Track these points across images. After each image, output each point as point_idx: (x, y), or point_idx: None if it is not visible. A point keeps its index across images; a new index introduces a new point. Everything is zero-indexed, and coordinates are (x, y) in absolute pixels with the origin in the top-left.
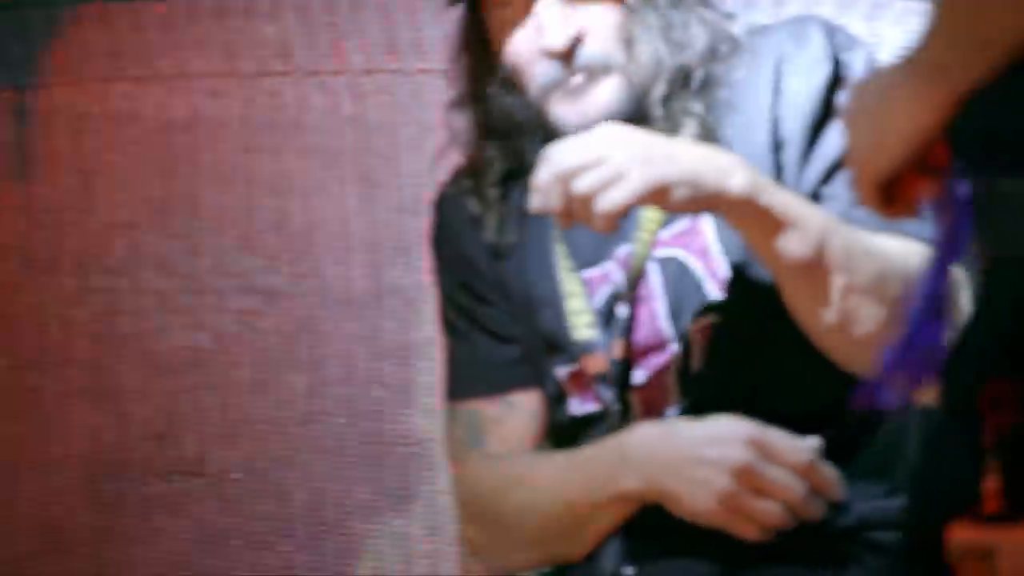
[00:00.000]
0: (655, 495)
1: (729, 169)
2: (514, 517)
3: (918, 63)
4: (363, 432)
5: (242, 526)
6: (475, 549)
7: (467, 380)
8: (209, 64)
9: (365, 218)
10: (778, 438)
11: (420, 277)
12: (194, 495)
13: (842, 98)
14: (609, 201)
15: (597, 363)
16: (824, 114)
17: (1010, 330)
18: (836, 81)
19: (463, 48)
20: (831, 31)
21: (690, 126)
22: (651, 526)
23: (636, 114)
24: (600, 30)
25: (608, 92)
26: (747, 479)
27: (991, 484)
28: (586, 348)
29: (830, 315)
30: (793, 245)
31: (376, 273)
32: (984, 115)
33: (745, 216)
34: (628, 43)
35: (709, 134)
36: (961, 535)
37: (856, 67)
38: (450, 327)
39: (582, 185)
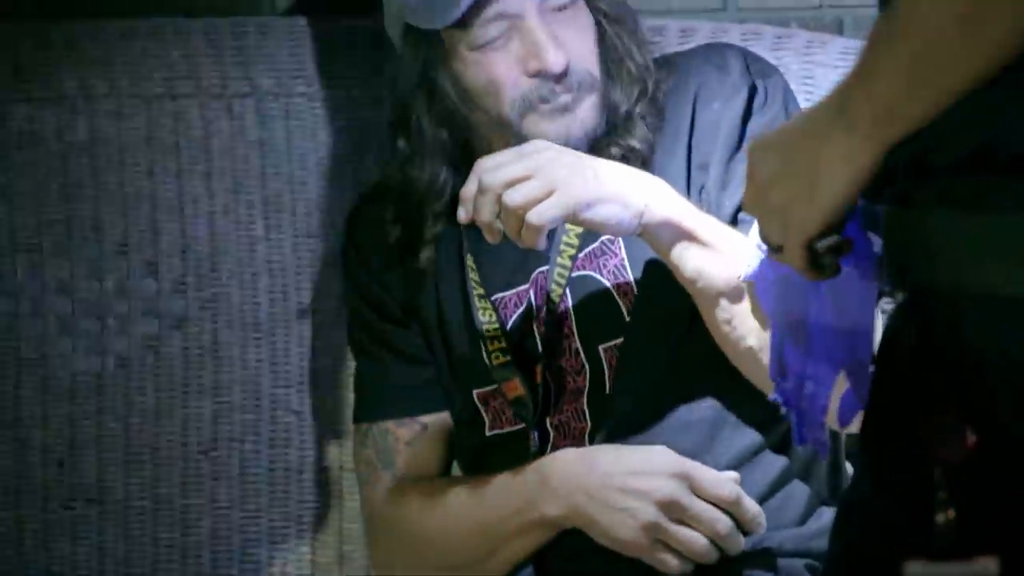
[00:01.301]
0: (577, 522)
1: (655, 191)
2: (427, 542)
3: (856, 110)
4: (269, 459)
5: (144, 554)
6: (384, 574)
7: (378, 402)
8: (111, 86)
9: (271, 243)
10: (703, 472)
11: (327, 302)
12: (95, 522)
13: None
14: (538, 216)
15: (514, 388)
16: (741, 139)
17: (953, 365)
18: (750, 109)
19: (407, 75)
20: (748, 58)
21: (640, 141)
22: (567, 551)
23: (605, 131)
24: (584, 51)
25: (589, 110)
26: (672, 511)
27: (944, 518)
28: (503, 374)
29: (751, 339)
30: (716, 270)
31: (282, 298)
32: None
33: (668, 239)
34: (604, 62)
35: (649, 152)
36: (917, 570)
37: (773, 93)
38: (360, 349)
39: (514, 198)
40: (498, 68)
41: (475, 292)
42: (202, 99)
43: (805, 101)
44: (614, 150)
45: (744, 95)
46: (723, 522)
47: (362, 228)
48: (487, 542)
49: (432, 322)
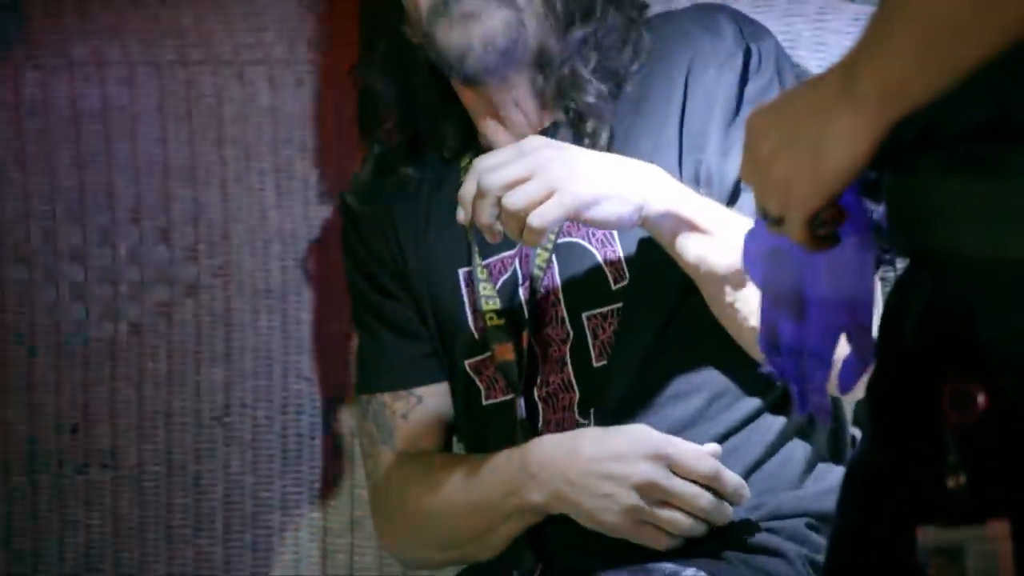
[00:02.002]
0: (561, 508)
1: (654, 182)
2: (422, 519)
3: (864, 86)
4: (281, 425)
5: (158, 519)
6: (387, 544)
7: (374, 374)
8: (125, 52)
9: (282, 210)
10: (683, 449)
11: (338, 269)
12: (109, 488)
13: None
14: (540, 218)
15: (505, 351)
16: (739, 105)
17: (963, 331)
18: (746, 75)
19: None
20: (740, 21)
21: (595, 97)
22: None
23: (522, 59)
24: None
25: (498, 21)
26: (652, 493)
27: (956, 483)
28: (497, 336)
29: (754, 320)
30: (717, 256)
31: (294, 265)
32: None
33: (669, 229)
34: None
35: (602, 113)
36: (929, 535)
37: (767, 57)
38: (358, 321)
39: (515, 202)
40: None
41: (475, 256)
42: (214, 66)
43: (816, 68)
44: (570, 104)
45: (739, 60)
46: (704, 498)
47: (357, 203)
48: (481, 522)
49: (424, 289)
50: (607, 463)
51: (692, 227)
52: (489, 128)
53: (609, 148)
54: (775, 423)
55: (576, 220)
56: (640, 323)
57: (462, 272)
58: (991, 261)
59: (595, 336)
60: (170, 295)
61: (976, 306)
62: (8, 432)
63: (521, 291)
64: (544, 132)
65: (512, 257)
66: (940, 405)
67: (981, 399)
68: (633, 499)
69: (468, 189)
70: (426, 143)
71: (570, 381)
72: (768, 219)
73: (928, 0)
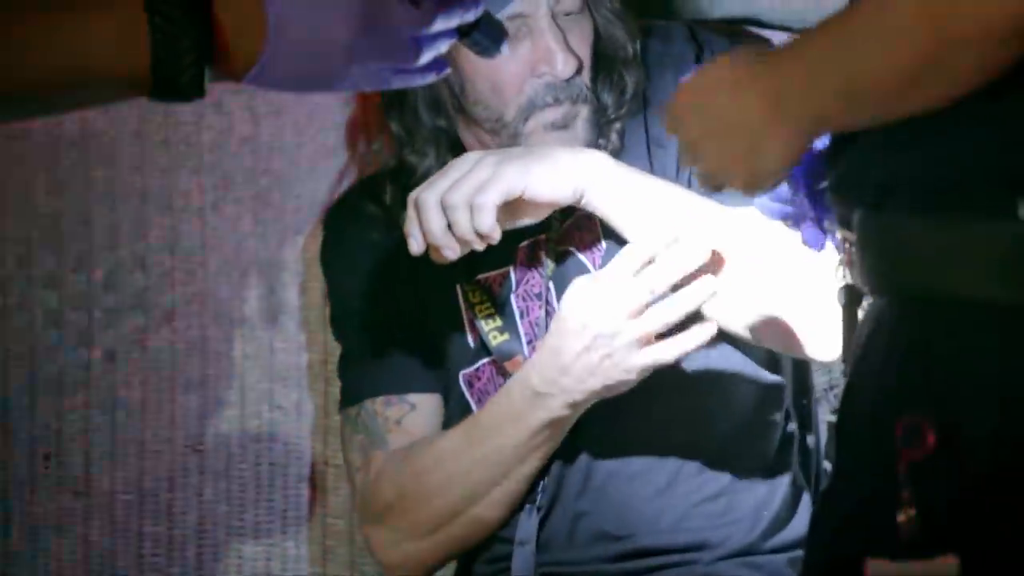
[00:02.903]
0: (587, 403)
1: (590, 160)
2: (423, 496)
3: (793, 106)
4: (255, 453)
5: (129, 547)
6: (387, 549)
7: (366, 383)
8: None
9: (259, 239)
10: (614, 267)
11: (314, 299)
12: (81, 515)
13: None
14: (482, 197)
15: (517, 364)
16: None
17: (919, 367)
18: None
19: None
20: (692, 27)
21: (617, 137)
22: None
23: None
24: (588, 61)
25: (584, 125)
26: (627, 324)
27: (906, 517)
28: (507, 350)
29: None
30: (657, 227)
31: (269, 294)
32: (867, 160)
33: (609, 205)
34: (596, 68)
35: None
36: (879, 568)
37: (719, 50)
38: (343, 332)
39: (453, 196)
40: (505, 69)
41: (466, 273)
42: None
43: None
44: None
45: (691, 58)
46: (660, 276)
47: (343, 218)
48: (494, 469)
49: (413, 309)
50: (578, 339)
51: (633, 201)
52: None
53: None
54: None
55: (515, 194)
56: None
57: (460, 286)
58: (946, 300)
59: None
60: (146, 322)
61: (931, 344)
62: None
63: (515, 300)
64: None
65: (507, 270)
66: (894, 440)
67: (931, 436)
68: (618, 340)
69: (410, 219)
70: (415, 170)
71: None
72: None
73: (873, 48)
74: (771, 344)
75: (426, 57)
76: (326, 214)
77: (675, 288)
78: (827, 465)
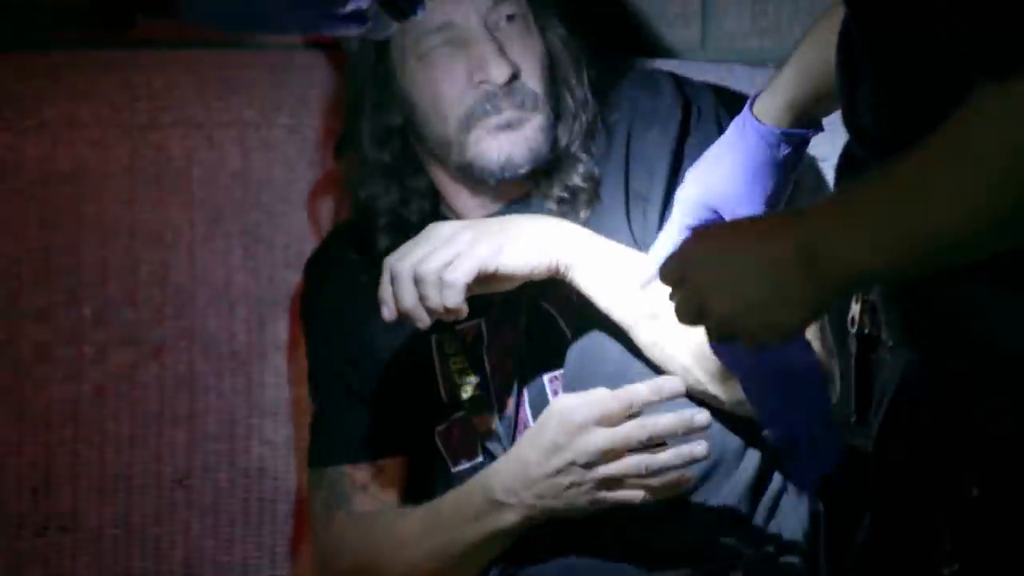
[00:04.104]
0: (540, 519)
1: (561, 233)
2: (381, 571)
3: (828, 268)
4: (242, 488)
5: None
6: None
7: (333, 446)
8: (95, 115)
9: (249, 273)
10: (601, 401)
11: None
12: (67, 550)
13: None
14: (452, 273)
15: (486, 421)
16: (681, 160)
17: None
18: (687, 127)
19: (361, 92)
20: (678, 79)
21: (584, 180)
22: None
23: (548, 158)
24: (531, 67)
25: (535, 130)
26: (603, 457)
27: (949, 570)
28: (476, 407)
29: (683, 357)
30: (627, 300)
31: (259, 328)
32: None
33: (579, 276)
34: (552, 86)
35: (589, 194)
36: None
37: (706, 109)
38: (317, 389)
39: (425, 269)
40: (442, 82)
41: (438, 329)
42: (184, 129)
43: None
44: (556, 190)
45: (679, 116)
46: (635, 431)
47: (321, 269)
48: (446, 560)
49: (387, 362)
50: (551, 458)
51: (602, 272)
52: (461, 201)
53: (586, 223)
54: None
55: (489, 274)
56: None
57: (434, 337)
58: (993, 357)
59: (555, 395)
60: (134, 357)
61: (974, 400)
62: None
63: (488, 357)
64: (516, 202)
65: (478, 325)
66: (936, 494)
67: (975, 489)
68: (588, 475)
69: (384, 286)
70: (394, 216)
71: None
72: (709, 334)
73: (919, 208)
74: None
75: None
76: (306, 265)
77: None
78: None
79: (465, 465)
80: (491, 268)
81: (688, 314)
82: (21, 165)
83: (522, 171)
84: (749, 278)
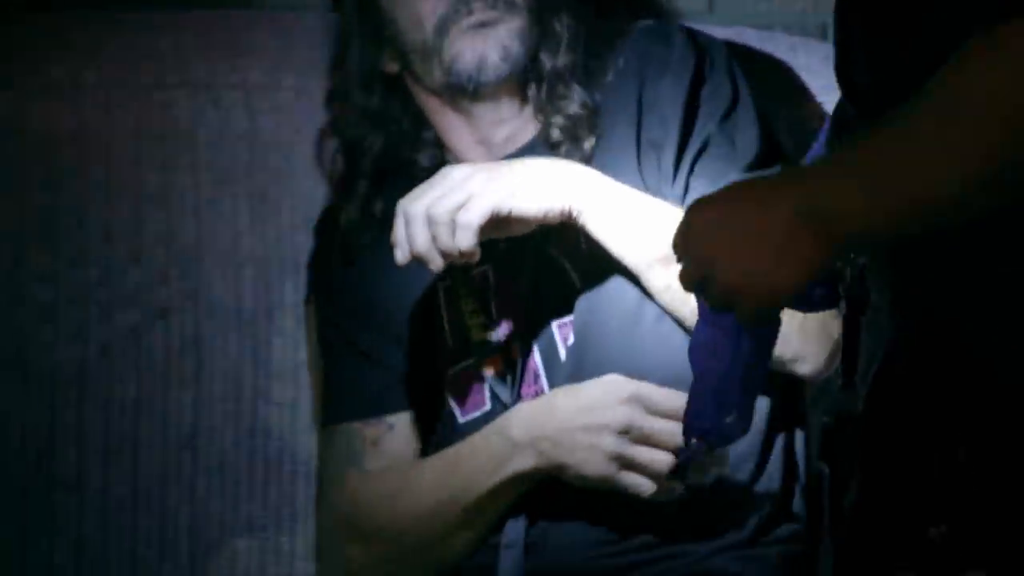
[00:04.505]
0: (548, 469)
1: (575, 176)
2: (397, 524)
3: (828, 222)
4: (248, 449)
5: (122, 543)
6: (358, 570)
7: (344, 403)
8: (101, 76)
9: (256, 235)
10: (654, 391)
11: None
12: (75, 512)
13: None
14: (466, 214)
15: (495, 364)
16: (697, 108)
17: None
18: (701, 75)
19: (349, 32)
20: (692, 31)
21: (580, 107)
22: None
23: (522, 70)
24: None
25: (509, 33)
26: (633, 436)
27: (937, 532)
28: (484, 350)
29: (692, 302)
30: (641, 242)
31: (265, 290)
32: None
33: (593, 219)
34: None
35: (589, 122)
36: None
37: (718, 59)
38: (327, 350)
39: (438, 211)
40: None
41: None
42: (190, 91)
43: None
44: (556, 118)
45: (692, 63)
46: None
47: (328, 228)
48: (462, 511)
49: (394, 316)
50: (583, 415)
51: (616, 216)
52: (466, 149)
53: (590, 159)
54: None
55: (502, 217)
56: (596, 331)
57: (442, 286)
58: (983, 322)
59: (564, 344)
60: (140, 318)
61: (963, 365)
62: None
63: (493, 303)
64: (522, 149)
65: (486, 271)
66: (924, 457)
67: (963, 452)
68: (614, 445)
69: (398, 228)
70: (399, 168)
71: (543, 392)
72: (710, 302)
73: (919, 167)
74: None
75: None
76: (316, 223)
77: None
78: (825, 468)
79: (474, 414)
80: (505, 210)
81: (690, 283)
82: (26, 126)
83: (498, 73)
84: (749, 243)
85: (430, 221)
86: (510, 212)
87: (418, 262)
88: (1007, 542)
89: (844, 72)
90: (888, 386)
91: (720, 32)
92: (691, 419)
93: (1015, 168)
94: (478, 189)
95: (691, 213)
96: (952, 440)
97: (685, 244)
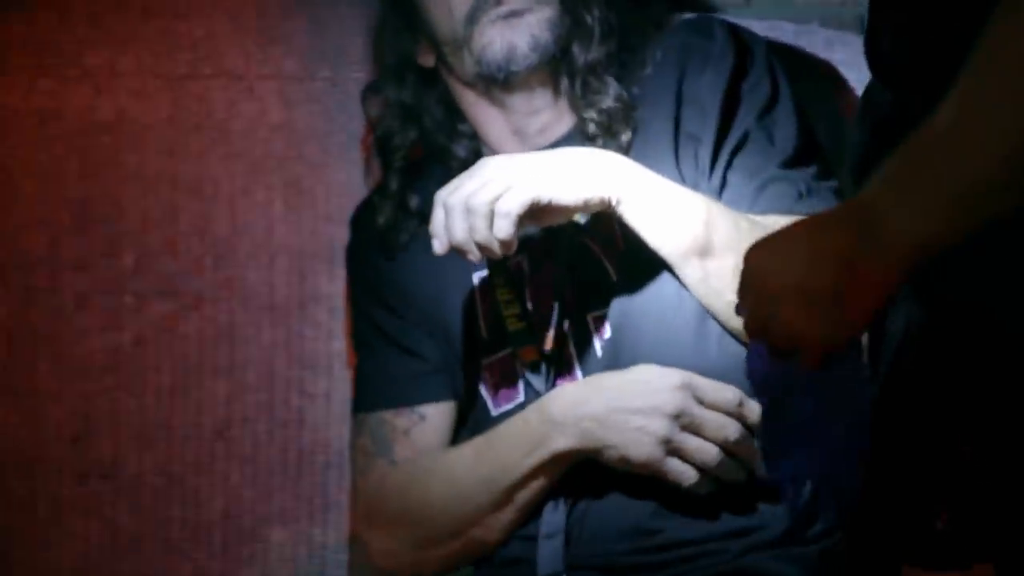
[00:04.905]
0: (589, 450)
1: (613, 167)
2: (427, 510)
3: (887, 238)
4: (281, 440)
5: (155, 531)
6: (386, 556)
7: (376, 392)
8: (137, 64)
9: (290, 225)
10: (704, 382)
11: (343, 286)
12: (107, 498)
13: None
14: (505, 204)
15: (530, 353)
16: (738, 102)
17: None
18: (742, 70)
19: (383, 24)
20: (733, 26)
21: (614, 100)
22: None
23: (553, 60)
24: None
25: (540, 23)
26: (683, 422)
27: (942, 524)
28: (521, 339)
29: (729, 294)
30: (678, 234)
31: (299, 280)
32: None
33: (630, 210)
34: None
35: (625, 116)
36: None
37: (758, 54)
38: (361, 341)
39: (477, 201)
40: None
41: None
42: (225, 80)
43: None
44: (591, 113)
45: (731, 59)
46: (731, 427)
47: (365, 220)
48: (497, 492)
49: (428, 308)
50: (636, 397)
51: (653, 207)
52: (501, 141)
53: (628, 150)
54: None
55: (540, 207)
56: (631, 323)
57: (476, 276)
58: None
59: (599, 334)
60: (175, 307)
61: (973, 360)
62: (8, 441)
63: (528, 291)
64: (558, 142)
65: (520, 261)
66: (933, 452)
67: (969, 448)
68: (666, 428)
69: (436, 218)
70: (435, 161)
71: (575, 377)
72: (772, 349)
73: (958, 159)
74: None
75: None
76: (354, 215)
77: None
78: None
79: (507, 406)
80: (544, 199)
81: (756, 325)
82: (62, 114)
83: (527, 62)
84: (812, 274)
85: (468, 212)
86: (549, 201)
87: (456, 252)
88: (1014, 535)
89: (871, 43)
90: (900, 377)
91: (756, 26)
92: (818, 470)
93: None
94: (516, 179)
95: (749, 255)
96: (958, 437)
97: (745, 286)
